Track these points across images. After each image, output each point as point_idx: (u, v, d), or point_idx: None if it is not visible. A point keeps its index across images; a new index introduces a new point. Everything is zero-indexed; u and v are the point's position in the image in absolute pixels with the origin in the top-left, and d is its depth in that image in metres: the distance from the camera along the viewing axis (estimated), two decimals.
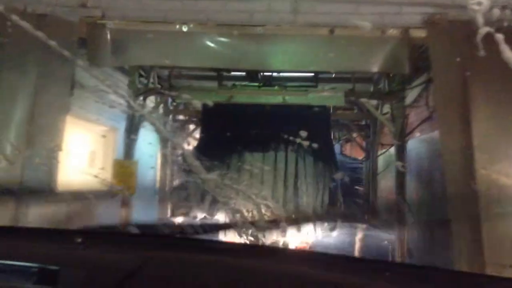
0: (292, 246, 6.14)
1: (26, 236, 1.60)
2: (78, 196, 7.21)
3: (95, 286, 1.10)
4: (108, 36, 3.77)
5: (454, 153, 3.53)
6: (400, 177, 6.27)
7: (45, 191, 6.09)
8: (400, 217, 6.20)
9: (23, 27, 2.90)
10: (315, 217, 7.11)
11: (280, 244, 6.10)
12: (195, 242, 1.98)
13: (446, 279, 1.33)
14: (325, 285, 1.17)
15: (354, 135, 9.53)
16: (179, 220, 6.86)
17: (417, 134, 7.45)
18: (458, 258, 3.59)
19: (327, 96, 6.17)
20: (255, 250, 1.83)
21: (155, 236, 1.94)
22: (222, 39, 3.76)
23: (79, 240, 1.42)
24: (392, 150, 7.32)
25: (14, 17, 2.92)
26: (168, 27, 3.82)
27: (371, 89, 7.66)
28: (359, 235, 6.96)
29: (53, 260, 1.20)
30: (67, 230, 1.85)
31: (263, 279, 1.18)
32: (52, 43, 2.75)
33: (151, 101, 7.33)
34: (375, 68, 3.95)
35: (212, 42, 3.77)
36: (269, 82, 6.99)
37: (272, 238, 6.04)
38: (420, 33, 3.81)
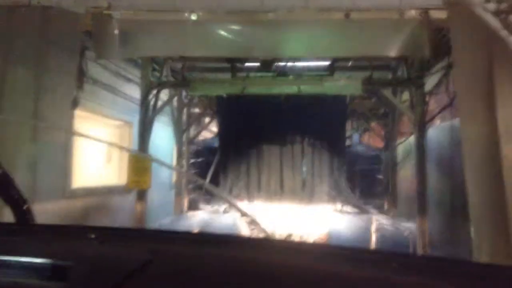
0: (309, 238, 6.06)
1: (39, 233, 1.60)
2: (93, 192, 7.26)
3: (105, 281, 1.09)
4: (115, 27, 3.66)
5: (477, 141, 3.35)
6: (421, 165, 6.08)
7: (59, 187, 6.14)
8: (421, 207, 6.01)
9: (28, 20, 2.82)
10: (331, 208, 7.01)
11: (296, 236, 6.07)
12: (205, 237, 1.99)
13: (455, 269, 1.30)
14: (330, 277, 1.15)
15: (373, 124, 9.36)
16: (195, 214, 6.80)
17: (437, 122, 7.25)
18: (478, 248, 3.42)
19: (343, 85, 6.00)
20: (263, 244, 1.78)
21: (165, 231, 1.93)
22: (233, 26, 3.62)
23: (93, 236, 1.42)
24: (412, 138, 7.14)
25: (19, 10, 2.84)
26: (176, 16, 3.71)
27: (389, 77, 7.47)
28: (378, 226, 6.80)
29: (65, 256, 1.20)
30: (81, 226, 1.87)
31: (270, 272, 1.17)
32: (58, 35, 2.65)
33: (165, 94, 7.27)
34: (393, 53, 3.76)
35: (222, 30, 3.63)
36: (283, 72, 6.85)
37: (288, 230, 6.01)
38: (440, 15, 3.61)
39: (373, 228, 6.65)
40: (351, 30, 3.66)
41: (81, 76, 4.33)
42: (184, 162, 8.29)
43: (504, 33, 3.21)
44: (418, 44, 3.63)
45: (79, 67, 4.18)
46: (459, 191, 6.72)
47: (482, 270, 1.37)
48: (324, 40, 3.74)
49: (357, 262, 1.30)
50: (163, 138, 8.30)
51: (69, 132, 6.23)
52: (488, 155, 3.22)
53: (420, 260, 1.48)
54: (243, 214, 6.19)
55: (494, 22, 3.22)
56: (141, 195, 6.18)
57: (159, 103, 6.76)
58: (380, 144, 9.12)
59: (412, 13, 3.58)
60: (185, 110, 8.71)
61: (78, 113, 6.74)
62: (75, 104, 4.61)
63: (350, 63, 7.39)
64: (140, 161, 5.97)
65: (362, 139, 11.82)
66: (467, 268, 1.37)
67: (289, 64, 7.25)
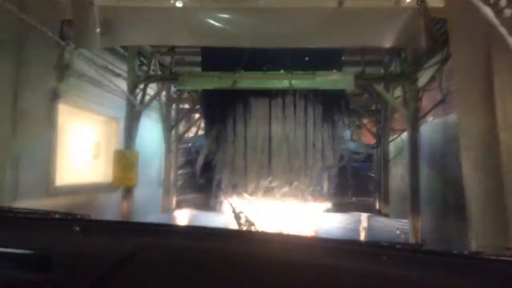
0: (299, 234, 5.93)
1: (23, 224, 1.59)
2: (79, 189, 7.06)
3: (89, 273, 1.10)
4: (97, 15, 3.47)
5: (475, 136, 3.22)
6: (414, 163, 5.96)
7: (41, 184, 5.93)
8: (414, 205, 5.90)
9: (4, 7, 2.63)
10: (322, 206, 6.88)
11: (285, 231, 5.92)
12: (189, 229, 2.03)
13: (442, 260, 1.32)
14: (320, 269, 1.16)
15: (365, 121, 9.24)
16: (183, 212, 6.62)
17: (429, 118, 7.15)
18: (476, 244, 3.30)
19: (336, 80, 5.85)
20: (249, 236, 1.83)
21: (150, 224, 1.95)
22: (221, 14, 3.44)
23: (77, 228, 1.42)
24: (404, 135, 7.03)
25: None
26: (161, 3, 3.51)
27: (382, 72, 7.36)
28: (369, 224, 6.69)
29: (49, 248, 1.20)
30: (65, 219, 1.82)
31: (256, 264, 1.18)
32: (36, 24, 2.47)
33: (153, 89, 7.08)
34: (388, 43, 3.62)
35: (209, 18, 3.44)
36: (274, 67, 6.70)
37: (277, 226, 5.86)
38: (437, 2, 3.48)
39: (366, 226, 6.53)
40: (344, 19, 3.51)
41: (62, 67, 4.12)
42: (173, 159, 8.10)
43: (502, 29, 3.09)
44: (414, 34, 3.49)
45: (59, 57, 3.97)
46: (451, 188, 6.66)
47: (472, 262, 1.36)
48: (317, 29, 3.58)
49: (344, 254, 1.31)
50: (152, 135, 8.11)
51: (52, 127, 6.04)
52: (487, 149, 3.09)
53: (410, 253, 1.47)
54: (234, 211, 6.06)
55: (492, 18, 3.09)
56: (128, 193, 5.99)
57: (147, 98, 6.58)
58: (372, 141, 9.01)
59: (408, 1, 3.45)
60: (174, 106, 8.52)
61: (63, 107, 6.55)
62: (55, 96, 4.40)
63: (342, 58, 7.27)
64: (126, 157, 5.79)
65: (354, 136, 11.72)
66: (457, 259, 1.37)
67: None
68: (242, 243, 1.43)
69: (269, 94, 6.64)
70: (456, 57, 3.37)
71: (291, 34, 3.62)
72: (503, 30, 2.91)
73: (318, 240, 2.56)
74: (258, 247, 1.37)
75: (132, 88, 6.03)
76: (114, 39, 3.68)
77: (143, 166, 7.39)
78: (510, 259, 1.41)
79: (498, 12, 3.15)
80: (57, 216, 1.82)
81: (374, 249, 1.45)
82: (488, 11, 3.04)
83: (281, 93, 6.62)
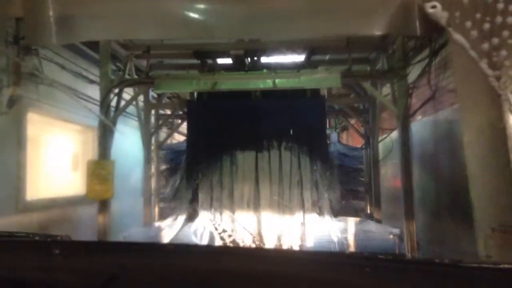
0: (284, 242, 5.62)
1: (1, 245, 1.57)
2: (55, 203, 6.63)
3: None
4: (51, 9, 3.07)
5: (479, 130, 2.92)
6: (406, 163, 5.67)
7: (9, 199, 5.50)
8: (408, 207, 5.60)
9: None
10: (310, 211, 6.57)
11: (273, 241, 5.62)
12: (172, 248, 1.95)
13: (424, 269, 1.33)
14: (302, 283, 1.17)
15: (352, 121, 8.97)
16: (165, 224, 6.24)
17: (418, 117, 6.90)
18: (483, 247, 3.00)
19: (322, 78, 5.53)
20: (231, 252, 1.80)
21: (132, 243, 2.01)
22: (193, 3, 3.10)
23: (57, 251, 1.40)
24: (394, 135, 6.76)
25: None
26: None
27: (368, 69, 7.10)
28: (360, 229, 6.39)
29: (25, 273, 1.19)
30: (44, 241, 1.75)
31: (237, 280, 1.19)
32: None
33: (129, 94, 6.71)
34: (379, 30, 3.29)
35: (179, 7, 3.09)
36: (256, 67, 6.38)
37: (265, 238, 5.55)
38: None
39: (357, 232, 6.22)
40: (331, 5, 3.19)
41: (18, 71, 3.72)
42: (152, 167, 7.71)
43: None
44: (407, 21, 3.17)
45: (14, 60, 3.57)
46: (444, 189, 6.41)
47: (454, 270, 1.35)
48: (302, 18, 3.24)
49: (323, 266, 1.32)
50: (131, 142, 7.71)
51: (19, 137, 5.63)
52: (494, 145, 2.79)
53: (392, 263, 1.44)
54: (215, 224, 5.74)
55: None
56: (103, 205, 5.57)
57: (123, 103, 6.19)
58: (360, 142, 8.75)
59: None
60: (153, 112, 8.15)
61: (32, 117, 6.14)
62: (11, 103, 3.99)
63: (327, 57, 6.99)
64: (101, 167, 5.39)
65: (341, 138, 11.47)
66: (438, 268, 1.36)
67: (263, 59, 6.82)
68: (226, 260, 1.41)
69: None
70: (455, 47, 3.07)
71: (272, 24, 3.27)
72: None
73: (299, 253, 2.57)
74: (243, 262, 1.36)
75: (105, 94, 5.63)
76: (72, 34, 3.27)
77: (122, 176, 7.00)
78: (491, 266, 1.43)
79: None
80: (36, 238, 1.76)
81: (357, 261, 1.45)
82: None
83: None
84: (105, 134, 5.64)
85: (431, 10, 2.00)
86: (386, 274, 1.27)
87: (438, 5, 2.64)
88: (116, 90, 5.88)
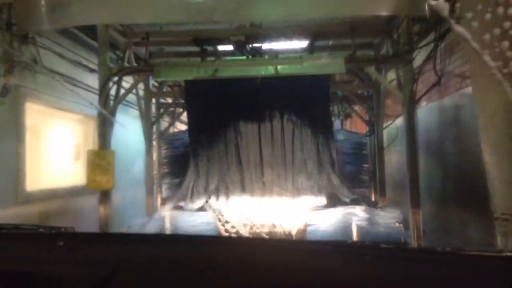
0: (288, 230, 5.55)
1: (2, 238, 1.57)
2: (56, 194, 6.57)
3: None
4: None
5: (495, 110, 2.78)
6: (412, 150, 5.54)
7: (9, 191, 5.44)
8: (414, 195, 5.48)
9: None
10: (314, 197, 6.49)
11: (275, 228, 5.55)
12: (175, 239, 1.96)
13: (426, 258, 1.32)
14: (304, 272, 1.16)
15: (356, 108, 8.83)
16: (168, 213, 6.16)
17: (423, 103, 6.77)
18: (503, 235, 2.88)
19: (325, 64, 5.39)
20: (231, 242, 1.83)
21: (134, 235, 2.04)
22: None
23: (61, 243, 1.40)
24: (398, 121, 6.63)
25: None
26: None
27: (372, 54, 6.94)
28: (364, 217, 6.29)
29: (31, 265, 1.18)
30: (48, 233, 1.72)
31: (241, 269, 1.18)
32: None
33: (129, 83, 6.60)
34: (385, 11, 3.15)
35: None
36: (258, 54, 6.24)
37: (268, 223, 5.47)
38: None
39: (362, 219, 6.12)
40: None
41: (9, 59, 3.60)
42: (154, 157, 7.63)
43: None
44: (415, 1, 3.03)
45: (5, 48, 3.45)
46: (450, 176, 6.31)
47: (456, 258, 1.34)
48: None
49: (328, 255, 1.32)
50: (132, 132, 7.62)
51: (18, 127, 5.55)
52: (510, 130, 2.66)
53: (394, 252, 1.45)
54: (218, 215, 5.65)
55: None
56: (104, 196, 5.49)
57: (122, 92, 6.08)
58: (364, 129, 8.63)
59: None
60: (154, 100, 8.04)
61: (31, 107, 6.05)
62: (5, 92, 3.89)
63: (330, 42, 6.85)
64: (101, 157, 5.30)
65: (345, 125, 11.33)
66: (441, 256, 1.35)
67: (264, 46, 6.68)
68: (229, 250, 1.41)
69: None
70: (468, 26, 2.93)
71: (272, 5, 3.13)
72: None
73: (301, 243, 2.60)
74: (246, 253, 1.36)
75: (104, 82, 5.52)
76: (65, 19, 3.15)
77: (123, 166, 6.91)
78: (493, 254, 1.42)
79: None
80: (41, 230, 1.75)
81: (359, 250, 1.45)
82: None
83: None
84: (105, 124, 5.54)
85: (432, 2, 1.89)
86: (387, 262, 1.26)
87: None
88: (115, 79, 5.77)
